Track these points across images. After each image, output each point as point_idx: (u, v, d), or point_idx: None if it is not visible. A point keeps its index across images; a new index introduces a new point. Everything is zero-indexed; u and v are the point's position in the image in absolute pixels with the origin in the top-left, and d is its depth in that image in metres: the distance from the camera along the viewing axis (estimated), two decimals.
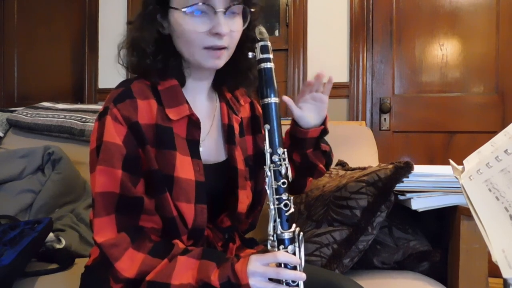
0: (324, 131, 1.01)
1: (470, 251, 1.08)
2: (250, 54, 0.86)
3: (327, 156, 1.06)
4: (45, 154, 1.69)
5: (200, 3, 0.81)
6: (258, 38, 0.83)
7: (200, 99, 0.95)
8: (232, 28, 0.85)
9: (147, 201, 0.82)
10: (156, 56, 0.86)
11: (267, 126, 0.81)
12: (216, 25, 0.82)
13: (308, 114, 0.98)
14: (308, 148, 1.01)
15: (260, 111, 0.93)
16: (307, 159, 1.02)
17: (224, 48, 0.85)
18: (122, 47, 0.91)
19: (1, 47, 3.18)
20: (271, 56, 0.82)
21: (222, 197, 0.94)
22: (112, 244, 0.78)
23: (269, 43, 0.83)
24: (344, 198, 1.14)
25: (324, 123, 1.01)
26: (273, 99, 0.81)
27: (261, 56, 0.82)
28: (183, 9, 0.82)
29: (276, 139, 0.80)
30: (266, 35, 0.84)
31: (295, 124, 1.00)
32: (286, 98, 0.96)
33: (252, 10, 0.89)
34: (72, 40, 3.01)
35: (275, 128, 0.81)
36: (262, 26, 0.86)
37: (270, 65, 0.82)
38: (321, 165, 1.06)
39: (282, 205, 0.78)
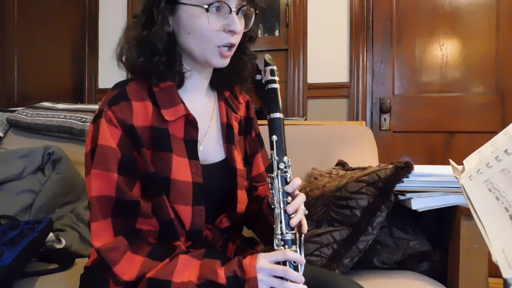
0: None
1: (470, 251, 1.08)
2: (257, 76, 0.95)
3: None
4: (45, 154, 1.69)
5: (221, 0, 0.83)
6: (268, 62, 0.91)
7: (198, 98, 0.95)
8: (241, 27, 0.88)
9: (143, 204, 0.82)
10: (163, 55, 0.85)
11: (274, 137, 0.87)
12: (232, 23, 0.85)
13: None
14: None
15: (254, 112, 1.05)
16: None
17: (233, 46, 0.88)
18: (124, 46, 0.89)
19: (1, 47, 3.18)
20: (277, 78, 0.91)
21: (221, 197, 0.94)
22: (110, 248, 0.78)
23: (275, 67, 0.92)
24: (344, 198, 1.14)
25: None
26: (278, 115, 0.88)
27: (270, 77, 0.91)
28: (204, 5, 0.83)
29: (282, 149, 0.87)
30: (273, 61, 0.93)
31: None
32: None
33: (257, 12, 0.91)
34: (72, 40, 3.01)
35: (281, 139, 0.87)
36: (268, 54, 0.95)
37: (276, 85, 0.90)
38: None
39: (287, 207, 0.83)
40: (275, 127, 0.87)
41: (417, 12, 2.42)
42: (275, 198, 0.84)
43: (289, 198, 0.84)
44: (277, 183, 0.84)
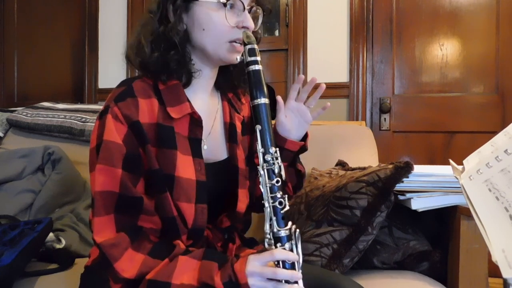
0: (303, 148, 1.01)
1: (470, 251, 1.08)
2: (238, 58, 0.87)
3: (300, 178, 1.05)
4: (45, 154, 1.69)
5: None
6: (246, 42, 0.84)
7: (202, 98, 0.96)
8: (253, 25, 0.89)
9: (146, 201, 0.82)
10: (179, 50, 0.86)
11: (258, 127, 0.81)
12: (245, 20, 0.87)
13: (290, 123, 0.98)
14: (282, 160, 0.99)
15: None
16: None
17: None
18: (141, 40, 0.88)
19: (1, 47, 3.18)
20: (258, 58, 0.83)
21: (223, 196, 0.94)
22: (112, 244, 0.78)
23: (256, 46, 0.84)
24: (344, 198, 1.14)
25: (304, 139, 1.01)
26: (262, 100, 0.81)
27: (249, 59, 0.83)
28: (222, 0, 0.85)
29: (268, 139, 0.80)
30: (253, 38, 0.84)
31: (275, 129, 0.99)
32: (279, 99, 0.98)
33: (264, 13, 0.92)
34: (72, 40, 3.00)
35: (266, 128, 0.81)
36: (248, 31, 0.87)
37: (258, 67, 0.83)
38: (290, 185, 1.04)
39: (277, 203, 0.78)
40: (259, 115, 0.81)
41: (417, 12, 2.42)
42: (263, 195, 0.79)
43: (279, 193, 0.78)
44: (264, 177, 0.78)
